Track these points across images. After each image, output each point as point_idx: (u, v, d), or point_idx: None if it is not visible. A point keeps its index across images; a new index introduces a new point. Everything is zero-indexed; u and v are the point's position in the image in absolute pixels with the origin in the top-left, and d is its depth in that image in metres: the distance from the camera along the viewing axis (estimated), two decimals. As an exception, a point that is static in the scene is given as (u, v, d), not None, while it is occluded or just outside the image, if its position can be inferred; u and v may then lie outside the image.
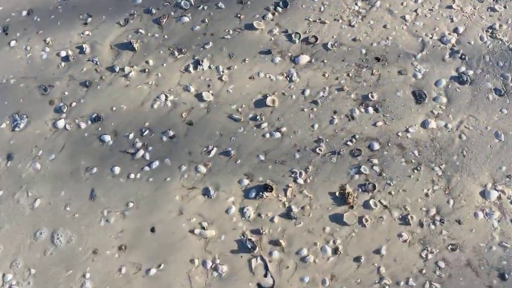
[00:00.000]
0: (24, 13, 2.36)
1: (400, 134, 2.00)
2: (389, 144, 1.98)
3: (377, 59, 2.15)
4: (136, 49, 2.23)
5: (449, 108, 2.04)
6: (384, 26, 2.23)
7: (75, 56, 2.24)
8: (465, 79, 2.08)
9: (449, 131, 2.00)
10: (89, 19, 2.33)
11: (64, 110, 2.12)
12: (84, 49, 2.25)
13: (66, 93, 2.17)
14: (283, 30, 2.25)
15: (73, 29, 2.31)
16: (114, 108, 2.12)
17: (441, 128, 2.01)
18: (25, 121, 2.11)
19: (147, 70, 2.19)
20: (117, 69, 2.20)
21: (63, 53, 2.25)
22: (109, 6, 2.35)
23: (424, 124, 2.01)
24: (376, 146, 1.97)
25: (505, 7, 2.24)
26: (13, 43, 2.29)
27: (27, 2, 2.38)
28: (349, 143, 1.99)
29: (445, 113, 2.04)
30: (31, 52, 2.27)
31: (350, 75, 2.13)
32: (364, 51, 2.18)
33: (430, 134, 2.00)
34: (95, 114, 2.11)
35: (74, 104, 2.14)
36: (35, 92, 2.17)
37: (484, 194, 1.85)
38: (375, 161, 1.94)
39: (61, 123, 2.10)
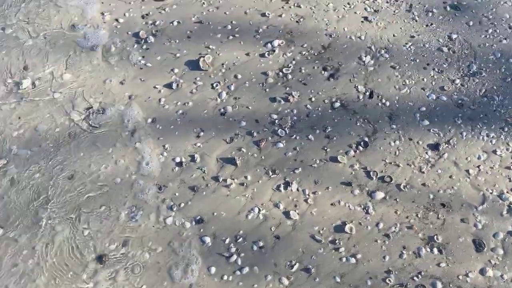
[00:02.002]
0: (149, 120, 2.88)
1: (460, 277, 2.28)
2: (450, 286, 2.26)
3: (443, 205, 2.51)
4: (238, 164, 2.68)
5: (505, 260, 2.33)
6: (450, 177, 2.61)
7: (187, 163, 2.71)
8: (521, 235, 2.39)
9: (504, 282, 2.27)
10: (202, 133, 2.82)
11: (174, 209, 2.54)
12: (195, 158, 2.71)
13: (177, 194, 2.60)
14: (363, 167, 2.66)
15: (187, 140, 2.80)
16: (215, 213, 2.52)
17: (497, 277, 2.28)
18: (140, 213, 2.53)
19: (245, 184, 2.62)
20: (220, 179, 2.63)
21: (177, 159, 2.72)
22: (218, 124, 2.85)
23: (482, 272, 2.30)
24: (439, 285, 2.26)
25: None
26: (138, 144, 2.79)
27: (153, 111, 2.92)
28: (415, 278, 2.29)
29: (502, 264, 2.32)
30: (152, 154, 2.75)
31: (419, 215, 2.48)
32: (431, 196, 2.55)
33: (487, 282, 2.27)
34: (199, 217, 2.51)
35: (182, 205, 2.56)
36: (152, 189, 2.62)
37: None
38: (439, 299, 2.21)
39: (169, 220, 2.50)
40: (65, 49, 3.21)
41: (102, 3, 3.46)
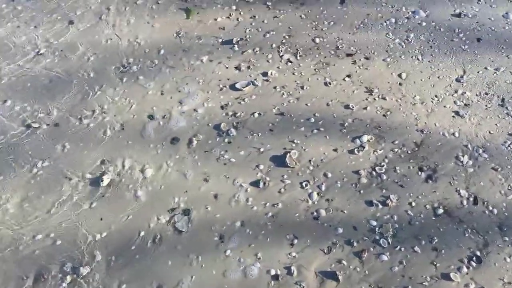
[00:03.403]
0: (238, 224, 2.72)
1: None
2: None
3: None
4: (340, 280, 2.46)
5: None
6: None
7: (284, 276, 2.50)
8: None
9: None
10: (295, 241, 2.63)
11: (275, 334, 2.30)
12: (291, 271, 2.51)
13: (276, 314, 2.37)
14: (479, 286, 2.42)
15: (281, 248, 2.61)
16: None
17: None
18: (238, 337, 2.30)
19: (350, 304, 2.39)
20: (322, 298, 2.41)
21: (272, 271, 2.52)
22: (312, 230, 2.67)
23: None
24: None
25: None
26: (228, 252, 2.61)
27: (240, 214, 2.76)
28: None
29: None
30: (244, 264, 2.56)
31: None
32: None
33: None
34: None
35: (283, 328, 2.33)
36: (249, 309, 2.40)
37: None
38: None
39: None
40: (145, 142, 3.13)
41: (179, 91, 3.42)
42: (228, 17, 3.90)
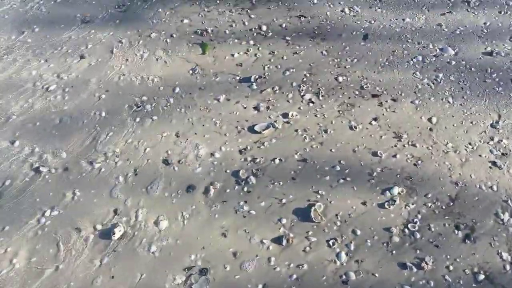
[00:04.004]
0: (260, 287, 2.50)
1: None
2: None
3: None
4: None
5: None
6: None
7: None
8: None
9: None
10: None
11: None
12: None
13: None
14: None
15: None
16: None
17: None
18: None
19: None
20: None
21: None
22: (341, 296, 2.44)
23: None
24: None
25: None
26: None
27: (263, 275, 2.55)
28: None
29: None
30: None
31: None
32: None
33: None
34: None
35: None
36: None
37: None
38: None
39: None
40: (159, 190, 2.94)
41: (196, 134, 3.24)
42: (246, 53, 3.74)
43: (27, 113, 3.45)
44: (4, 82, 3.68)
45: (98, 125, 3.35)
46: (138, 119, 3.35)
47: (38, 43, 3.98)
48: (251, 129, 3.23)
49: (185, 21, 4.01)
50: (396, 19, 3.84)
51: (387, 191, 2.82)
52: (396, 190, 2.81)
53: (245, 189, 2.92)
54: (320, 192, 2.86)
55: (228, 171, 3.02)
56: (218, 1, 4.16)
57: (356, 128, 3.16)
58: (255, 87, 3.48)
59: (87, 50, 3.87)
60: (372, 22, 3.83)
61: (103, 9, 4.22)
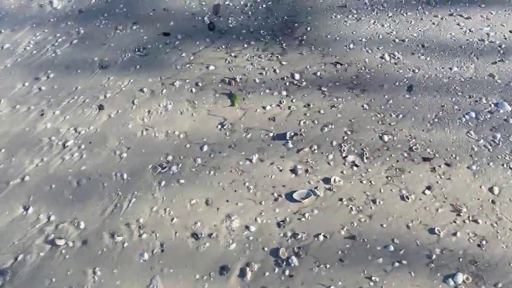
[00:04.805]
0: None
1: None
2: None
3: None
4: None
5: None
6: None
7: None
8: None
9: None
10: None
11: None
12: None
13: None
14: None
15: None
16: None
17: None
18: None
19: None
20: None
21: None
22: None
23: None
24: None
25: None
26: None
27: None
28: None
29: None
30: None
31: None
32: None
33: None
34: None
35: None
36: None
37: None
38: None
39: None
40: (190, 271, 2.62)
41: (227, 201, 2.92)
42: (279, 105, 3.43)
43: (42, 174, 3.16)
44: (18, 137, 3.40)
45: (120, 189, 3.05)
46: (163, 183, 3.05)
47: (53, 91, 3.70)
48: (289, 197, 2.91)
49: (211, 67, 3.72)
50: (442, 68, 3.52)
51: (450, 279, 2.48)
52: (460, 277, 2.47)
53: (287, 272, 2.59)
54: (373, 278, 2.53)
55: (265, 248, 2.70)
56: (245, 45, 3.87)
57: (408, 198, 2.82)
58: (291, 145, 3.17)
59: (106, 100, 3.59)
60: (416, 71, 3.52)
61: (121, 52, 3.95)
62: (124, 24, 4.19)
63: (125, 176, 3.11)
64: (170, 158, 3.18)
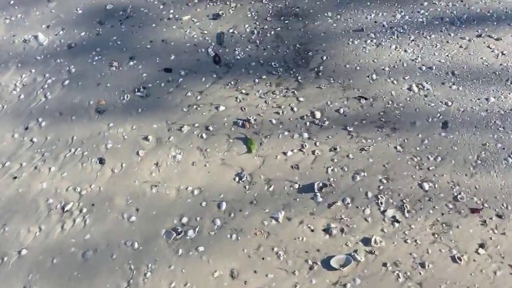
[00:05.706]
0: None
1: None
2: None
3: None
4: None
5: None
6: None
7: None
8: None
9: None
10: None
11: None
12: None
13: None
14: None
15: None
16: None
17: None
18: None
19: None
20: None
21: None
22: None
23: None
24: None
25: None
26: None
27: None
28: None
29: None
30: None
31: None
32: None
33: None
34: None
35: None
36: None
37: None
38: None
39: None
40: None
41: (255, 272, 2.58)
42: (301, 150, 3.08)
43: (41, 245, 2.79)
44: (11, 201, 3.02)
45: (131, 261, 2.69)
46: (180, 251, 2.69)
47: (47, 143, 3.31)
48: (326, 264, 2.57)
49: (221, 108, 3.35)
50: (478, 99, 3.20)
51: None
52: None
53: None
54: None
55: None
56: (256, 80, 3.51)
57: (460, 260, 2.50)
58: (320, 199, 2.83)
59: (107, 152, 3.21)
60: (449, 104, 3.19)
61: (120, 94, 3.56)
62: (120, 59, 3.79)
63: (136, 245, 2.75)
64: (185, 220, 2.82)
